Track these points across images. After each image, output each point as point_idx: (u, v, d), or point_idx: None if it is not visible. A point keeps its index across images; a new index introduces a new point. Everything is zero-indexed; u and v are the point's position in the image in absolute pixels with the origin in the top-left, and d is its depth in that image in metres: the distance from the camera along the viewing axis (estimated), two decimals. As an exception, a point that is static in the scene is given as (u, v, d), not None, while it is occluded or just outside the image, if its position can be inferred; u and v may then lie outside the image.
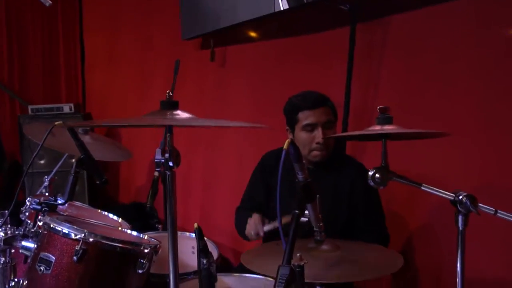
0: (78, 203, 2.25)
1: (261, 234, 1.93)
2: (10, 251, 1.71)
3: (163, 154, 1.27)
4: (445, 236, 2.06)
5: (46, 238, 1.58)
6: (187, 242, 2.51)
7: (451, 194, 1.30)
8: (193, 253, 2.55)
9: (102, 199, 4.62)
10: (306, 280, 1.23)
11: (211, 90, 3.69)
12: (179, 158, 1.29)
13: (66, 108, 4.45)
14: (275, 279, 1.04)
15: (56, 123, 1.80)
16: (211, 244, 2.31)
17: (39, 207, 1.81)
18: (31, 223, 1.81)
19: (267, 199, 2.16)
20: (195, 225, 1.45)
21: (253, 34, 3.38)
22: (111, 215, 2.21)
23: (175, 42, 3.96)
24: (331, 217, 1.86)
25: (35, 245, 1.62)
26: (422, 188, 1.31)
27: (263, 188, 2.19)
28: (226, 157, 3.48)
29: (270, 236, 1.92)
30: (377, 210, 2.01)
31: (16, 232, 1.72)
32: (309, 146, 1.97)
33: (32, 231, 1.75)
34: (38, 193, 2.65)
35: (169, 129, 1.27)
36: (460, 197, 1.27)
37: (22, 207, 2.03)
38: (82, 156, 1.84)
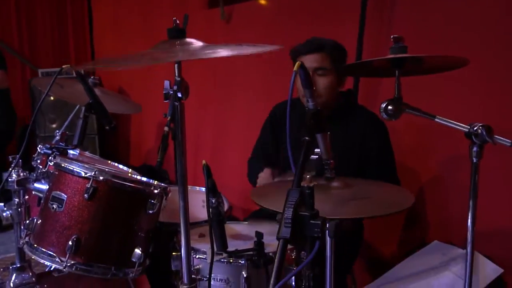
0: (88, 154, 2.26)
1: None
2: (23, 192, 1.74)
3: (171, 86, 1.26)
4: (457, 186, 2.04)
5: (57, 178, 1.59)
6: (197, 196, 2.50)
7: (466, 126, 1.27)
8: (203, 206, 2.55)
9: (112, 160, 4.65)
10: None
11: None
12: (188, 90, 1.27)
13: (77, 72, 4.43)
14: (285, 202, 1.03)
15: (64, 66, 1.80)
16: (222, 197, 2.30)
17: (49, 151, 1.82)
18: (43, 168, 1.83)
19: (277, 150, 2.15)
20: (203, 162, 1.44)
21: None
22: (121, 166, 2.21)
23: (182, 2, 3.91)
24: (343, 166, 1.88)
25: (47, 186, 1.63)
26: (436, 120, 1.28)
27: (273, 139, 2.19)
28: (236, 115, 3.47)
29: None
30: (388, 159, 1.99)
31: (29, 175, 1.75)
32: (302, 93, 1.94)
33: (43, 173, 1.77)
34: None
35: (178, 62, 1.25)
36: (475, 128, 1.24)
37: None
38: (91, 101, 1.84)
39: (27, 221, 1.62)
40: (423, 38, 2.24)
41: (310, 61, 1.92)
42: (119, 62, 1.37)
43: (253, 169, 2.13)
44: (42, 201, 1.65)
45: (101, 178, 1.51)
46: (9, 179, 1.69)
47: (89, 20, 5.18)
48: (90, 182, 1.50)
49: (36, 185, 1.70)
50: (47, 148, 1.86)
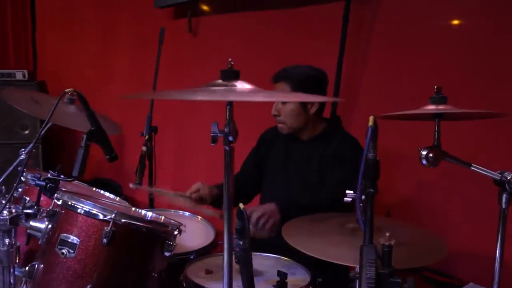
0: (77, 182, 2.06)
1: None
2: (15, 231, 1.55)
3: (220, 128, 1.18)
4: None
5: (66, 218, 1.44)
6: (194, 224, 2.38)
7: (497, 173, 1.34)
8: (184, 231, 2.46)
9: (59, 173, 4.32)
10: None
11: (189, 63, 3.53)
12: (237, 133, 1.21)
13: (19, 75, 4.06)
14: (360, 259, 1.02)
15: (67, 90, 1.63)
16: (209, 227, 2.23)
17: (43, 183, 1.64)
18: (29, 200, 1.64)
19: (255, 171, 2.26)
20: (240, 205, 1.38)
21: (234, 3, 3.27)
22: (107, 194, 2.06)
23: (145, 10, 3.74)
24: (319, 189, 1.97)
25: (49, 226, 1.47)
26: (472, 168, 1.34)
27: (255, 160, 2.28)
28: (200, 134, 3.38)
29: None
30: (338, 174, 1.98)
31: (20, 211, 1.56)
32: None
33: (42, 210, 1.59)
34: (12, 168, 2.42)
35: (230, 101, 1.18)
36: (508, 177, 1.31)
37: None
38: (92, 128, 1.69)
39: (27, 267, 1.44)
40: (401, 61, 2.38)
41: (276, 89, 2.03)
42: (172, 95, 1.28)
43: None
44: (42, 243, 1.48)
45: (123, 220, 1.39)
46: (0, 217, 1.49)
47: (32, 15, 4.73)
48: (110, 225, 1.37)
49: (33, 223, 1.52)
50: (38, 179, 1.68)
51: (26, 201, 1.68)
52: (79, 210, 1.42)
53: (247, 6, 3.16)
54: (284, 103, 2.02)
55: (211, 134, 1.20)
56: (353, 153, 1.96)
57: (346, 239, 1.41)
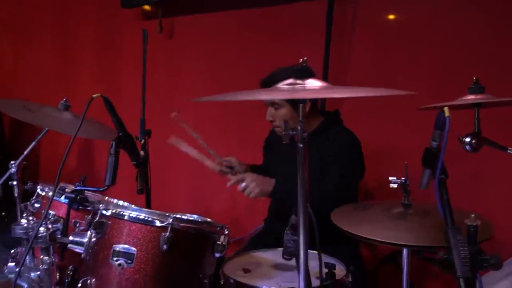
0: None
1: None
2: (54, 248, 1.45)
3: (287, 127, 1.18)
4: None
5: (117, 228, 1.37)
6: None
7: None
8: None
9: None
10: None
11: (160, 65, 3.42)
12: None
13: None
14: (448, 241, 1.08)
15: (95, 95, 1.54)
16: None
17: (72, 195, 1.55)
18: (54, 214, 1.55)
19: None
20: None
21: (207, 3, 3.23)
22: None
23: (111, 10, 3.60)
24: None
25: (94, 238, 1.39)
26: (508, 151, 1.45)
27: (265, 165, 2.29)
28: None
29: None
30: (336, 170, 2.01)
31: (55, 226, 1.46)
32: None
33: (78, 223, 1.50)
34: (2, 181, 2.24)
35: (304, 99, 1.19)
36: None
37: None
38: (120, 134, 1.62)
39: (79, 284, 1.35)
40: (389, 58, 2.47)
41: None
42: (246, 95, 1.25)
43: None
44: (85, 256, 1.40)
45: (181, 225, 1.35)
46: (38, 234, 1.39)
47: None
48: (168, 231, 1.33)
49: (75, 238, 1.43)
50: (64, 191, 1.59)
51: (51, 216, 1.59)
52: (130, 219, 1.36)
53: (221, 5, 3.14)
54: (276, 108, 2.01)
55: (283, 133, 1.20)
56: (349, 148, 2.02)
57: (397, 223, 1.47)
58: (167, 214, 1.37)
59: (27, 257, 1.49)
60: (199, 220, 1.48)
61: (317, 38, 2.63)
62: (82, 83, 3.86)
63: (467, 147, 1.41)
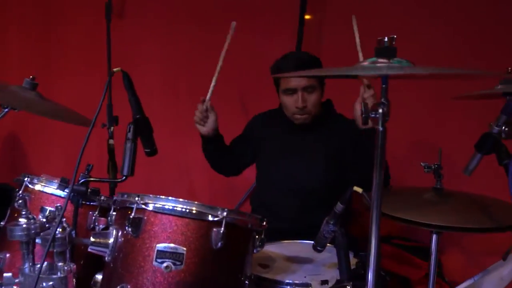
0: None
1: (207, 101, 1.96)
2: (71, 252, 1.18)
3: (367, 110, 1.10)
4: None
5: (158, 225, 1.16)
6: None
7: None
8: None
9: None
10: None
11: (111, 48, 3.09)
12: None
13: None
14: None
15: (115, 69, 1.30)
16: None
17: (83, 188, 1.30)
18: (54, 210, 1.29)
19: (247, 151, 2.18)
20: (357, 189, 1.30)
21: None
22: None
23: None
24: (324, 174, 2.01)
25: (122, 238, 1.16)
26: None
27: (249, 144, 2.18)
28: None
29: None
30: (365, 156, 2.09)
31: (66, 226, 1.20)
32: (291, 110, 1.99)
33: (98, 221, 1.25)
34: None
35: (385, 79, 1.11)
36: None
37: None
38: (138, 117, 1.40)
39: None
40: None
41: (299, 80, 1.92)
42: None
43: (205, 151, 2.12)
44: (115, 260, 1.16)
45: (236, 218, 1.19)
46: (56, 236, 1.12)
47: None
48: (223, 225, 1.16)
49: (98, 239, 1.18)
50: (64, 183, 1.33)
51: (47, 212, 1.32)
52: (175, 213, 1.16)
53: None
54: (309, 92, 1.94)
55: (363, 115, 1.12)
56: (353, 134, 2.00)
57: (429, 206, 1.45)
58: (216, 207, 1.19)
59: (27, 264, 1.21)
60: (246, 213, 1.32)
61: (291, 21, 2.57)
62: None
63: (503, 134, 1.44)
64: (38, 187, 1.42)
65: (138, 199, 1.17)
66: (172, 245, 1.14)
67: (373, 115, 1.12)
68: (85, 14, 3.13)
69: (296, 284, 1.42)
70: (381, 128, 1.13)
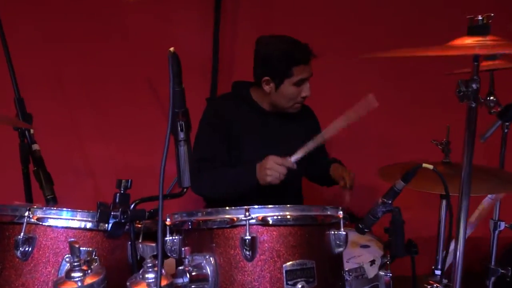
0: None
1: (294, 166, 1.69)
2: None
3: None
4: None
5: (276, 241, 0.92)
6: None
7: None
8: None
9: None
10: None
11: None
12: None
13: None
14: None
15: (171, 48, 0.94)
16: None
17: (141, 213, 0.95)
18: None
19: (229, 152, 1.87)
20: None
21: None
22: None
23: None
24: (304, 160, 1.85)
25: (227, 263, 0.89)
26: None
27: (223, 141, 1.86)
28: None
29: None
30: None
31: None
32: (295, 100, 1.86)
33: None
34: None
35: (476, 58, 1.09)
36: None
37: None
38: (183, 110, 1.08)
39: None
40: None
41: (310, 68, 1.82)
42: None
43: (228, 177, 1.79)
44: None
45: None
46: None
47: None
48: (341, 226, 0.99)
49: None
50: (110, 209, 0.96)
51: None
52: (288, 222, 0.94)
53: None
54: (307, 81, 1.83)
55: (460, 94, 1.09)
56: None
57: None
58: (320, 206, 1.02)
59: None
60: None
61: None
62: None
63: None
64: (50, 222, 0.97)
65: (245, 215, 0.91)
66: (297, 261, 0.93)
67: (465, 90, 1.10)
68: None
69: (350, 270, 1.34)
70: (473, 104, 1.13)
